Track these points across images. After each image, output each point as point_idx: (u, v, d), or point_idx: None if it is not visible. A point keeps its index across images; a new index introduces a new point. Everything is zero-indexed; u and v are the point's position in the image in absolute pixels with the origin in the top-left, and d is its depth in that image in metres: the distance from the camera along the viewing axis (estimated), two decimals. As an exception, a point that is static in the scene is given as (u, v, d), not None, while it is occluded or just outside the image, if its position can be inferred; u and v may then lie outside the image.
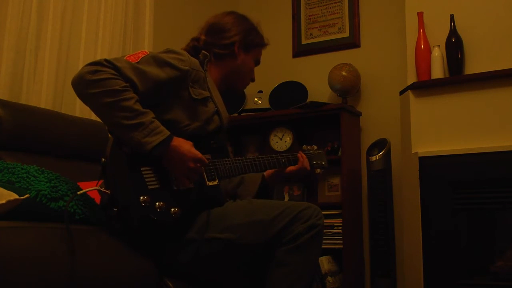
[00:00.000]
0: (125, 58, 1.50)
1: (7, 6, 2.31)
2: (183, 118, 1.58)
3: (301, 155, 1.87)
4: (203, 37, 1.80)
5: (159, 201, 1.40)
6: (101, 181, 1.58)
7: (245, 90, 3.47)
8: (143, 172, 1.44)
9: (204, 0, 3.71)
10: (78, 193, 1.43)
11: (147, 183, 1.44)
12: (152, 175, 1.46)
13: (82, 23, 2.62)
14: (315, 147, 1.99)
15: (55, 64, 2.45)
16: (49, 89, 2.42)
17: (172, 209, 1.42)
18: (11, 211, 1.31)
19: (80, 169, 2.14)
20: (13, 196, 1.32)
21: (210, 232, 1.51)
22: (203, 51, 1.74)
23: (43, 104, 2.38)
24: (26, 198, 1.34)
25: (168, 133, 1.47)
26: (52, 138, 2.12)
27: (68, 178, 1.58)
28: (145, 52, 1.55)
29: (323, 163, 1.97)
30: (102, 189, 1.42)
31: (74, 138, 2.21)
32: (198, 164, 1.51)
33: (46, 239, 1.30)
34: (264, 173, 1.88)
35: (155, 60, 1.54)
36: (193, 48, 1.76)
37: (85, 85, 1.39)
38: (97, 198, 1.64)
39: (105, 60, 1.43)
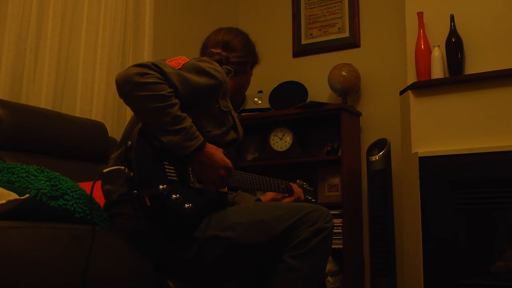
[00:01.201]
0: (166, 62, 1.53)
1: (7, 6, 2.31)
2: (207, 125, 1.62)
3: (295, 187, 1.96)
4: (222, 52, 1.84)
5: (175, 193, 1.42)
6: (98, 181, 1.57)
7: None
8: (165, 165, 1.47)
9: (204, 0, 3.71)
10: (105, 170, 1.45)
11: (168, 175, 1.46)
12: (173, 170, 1.48)
13: (82, 23, 2.62)
14: (306, 184, 2.11)
15: (55, 64, 2.45)
16: (49, 89, 2.42)
17: (186, 205, 1.44)
18: (11, 211, 1.31)
19: (80, 169, 2.15)
20: (13, 196, 1.32)
21: (211, 230, 1.51)
22: (225, 66, 1.79)
23: (43, 104, 2.38)
24: (26, 198, 1.34)
25: (203, 138, 1.51)
26: (52, 138, 2.12)
27: (68, 178, 1.58)
28: (185, 59, 1.59)
29: (313, 200, 2.09)
30: (126, 170, 1.41)
31: (74, 138, 2.21)
32: (227, 173, 1.56)
33: (46, 239, 1.30)
34: (262, 198, 1.95)
35: (195, 68, 1.57)
36: (219, 62, 1.80)
37: (132, 86, 1.40)
38: (97, 198, 1.65)
39: (153, 63, 1.44)
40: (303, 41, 3.71)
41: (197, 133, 1.50)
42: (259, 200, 1.92)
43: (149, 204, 1.38)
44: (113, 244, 1.48)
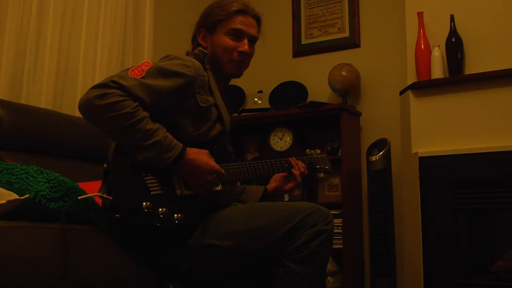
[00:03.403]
0: (129, 73, 1.45)
1: (7, 6, 2.31)
2: (188, 125, 1.56)
3: (293, 160, 1.85)
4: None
5: (162, 207, 1.39)
6: (100, 185, 1.57)
7: (245, 90, 3.50)
8: (145, 178, 1.43)
9: (204, 0, 3.71)
10: (79, 197, 1.42)
11: (150, 189, 1.43)
12: (155, 181, 1.45)
13: (82, 23, 2.62)
14: (318, 151, 1.96)
15: (55, 64, 2.46)
16: (49, 89, 2.42)
17: (175, 215, 1.41)
18: (11, 211, 1.31)
19: (80, 169, 2.14)
20: (13, 196, 1.31)
21: (209, 238, 1.49)
22: (199, 48, 1.70)
23: (43, 104, 2.38)
24: (26, 198, 1.34)
25: (181, 145, 1.46)
26: (52, 138, 2.12)
27: (68, 178, 1.57)
28: (149, 63, 1.50)
29: (326, 167, 1.93)
30: (104, 195, 1.40)
31: (74, 138, 2.21)
32: (215, 176, 1.51)
33: (46, 239, 1.30)
34: (267, 187, 1.85)
35: (160, 71, 1.49)
36: (195, 46, 1.75)
37: (94, 110, 1.36)
38: (97, 199, 1.64)
39: (111, 81, 1.38)
40: (303, 41, 3.71)
41: (174, 141, 1.44)
42: (266, 191, 1.82)
43: (134, 225, 1.37)
44: (112, 245, 1.48)
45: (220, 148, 1.65)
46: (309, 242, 1.48)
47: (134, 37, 2.90)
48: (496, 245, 2.72)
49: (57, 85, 2.46)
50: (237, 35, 1.71)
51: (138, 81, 1.43)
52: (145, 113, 1.41)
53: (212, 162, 1.50)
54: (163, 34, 3.23)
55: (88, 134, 2.28)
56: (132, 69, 1.47)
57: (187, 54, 1.75)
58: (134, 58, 2.89)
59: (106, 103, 1.35)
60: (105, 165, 1.44)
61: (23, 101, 2.32)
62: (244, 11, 1.74)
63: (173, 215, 1.41)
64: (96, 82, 2.60)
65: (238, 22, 1.71)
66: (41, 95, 2.40)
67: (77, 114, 2.51)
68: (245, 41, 1.71)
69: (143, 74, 1.45)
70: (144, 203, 1.36)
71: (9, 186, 1.40)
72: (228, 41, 1.70)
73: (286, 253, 1.49)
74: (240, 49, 1.70)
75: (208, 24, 1.73)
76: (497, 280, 2.56)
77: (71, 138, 2.20)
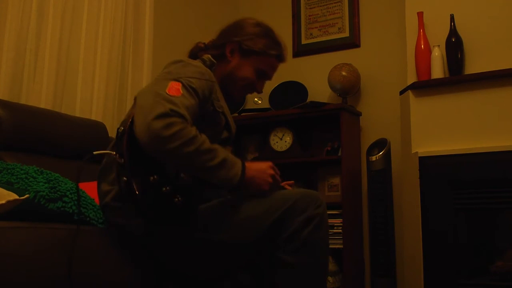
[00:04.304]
0: (168, 92, 1.42)
1: (7, 6, 2.31)
2: (204, 129, 1.54)
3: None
4: (211, 39, 1.76)
5: (165, 186, 1.38)
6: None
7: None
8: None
9: (204, 0, 3.71)
10: (95, 152, 1.41)
11: (160, 165, 1.42)
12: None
13: (82, 23, 2.62)
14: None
15: (55, 64, 2.46)
16: (49, 89, 2.42)
17: (176, 198, 1.40)
18: (11, 211, 1.31)
19: (80, 169, 2.14)
20: (13, 196, 1.32)
21: (199, 232, 1.48)
22: (209, 56, 1.68)
23: (43, 104, 2.38)
24: (26, 198, 1.34)
25: (239, 159, 1.47)
26: (52, 138, 2.12)
27: (68, 178, 1.58)
28: (177, 83, 1.47)
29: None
30: (117, 156, 1.38)
31: (74, 138, 2.21)
32: (272, 172, 1.52)
33: (46, 239, 1.30)
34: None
35: (187, 90, 1.48)
36: (198, 49, 1.74)
37: (163, 142, 1.34)
38: (97, 199, 1.65)
39: (171, 109, 1.36)
40: (303, 41, 3.71)
41: (231, 156, 1.46)
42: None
43: (137, 192, 1.34)
44: (111, 245, 1.48)
45: None
46: (300, 230, 1.45)
47: (134, 37, 2.90)
48: (496, 245, 2.72)
49: (57, 85, 2.46)
50: (262, 75, 1.76)
51: (183, 103, 1.43)
52: (203, 134, 1.42)
53: (262, 162, 1.53)
54: (163, 34, 3.23)
55: (88, 134, 2.28)
56: (167, 89, 1.44)
57: (191, 55, 1.75)
58: (134, 58, 2.89)
59: (172, 132, 1.34)
60: (121, 128, 1.41)
61: (23, 101, 2.32)
62: (282, 60, 1.79)
63: (174, 198, 1.39)
64: (96, 82, 2.64)
65: (271, 67, 1.76)
66: (41, 95, 2.40)
67: (77, 114, 2.52)
68: (264, 82, 1.78)
69: (181, 93, 1.45)
70: (152, 177, 1.37)
71: (8, 187, 1.40)
72: (252, 75, 1.73)
73: (279, 245, 1.46)
74: (257, 86, 1.76)
75: (246, 46, 1.72)
76: (497, 280, 2.56)
77: (71, 138, 2.20)
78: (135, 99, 1.47)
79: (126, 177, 1.35)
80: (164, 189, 1.38)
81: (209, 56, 1.69)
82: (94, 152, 1.42)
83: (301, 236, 1.45)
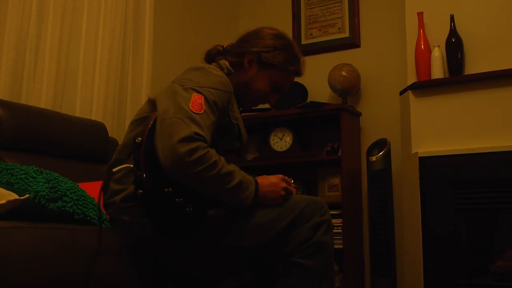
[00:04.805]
0: (191, 107, 1.43)
1: (7, 6, 2.31)
2: (217, 140, 1.56)
3: None
4: (229, 43, 1.75)
5: (179, 197, 1.41)
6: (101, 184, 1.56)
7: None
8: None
9: (204, 0, 3.71)
10: (114, 170, 1.45)
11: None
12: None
13: (82, 23, 2.62)
14: None
15: (55, 64, 2.46)
16: (49, 89, 2.42)
17: (187, 208, 1.43)
18: (11, 211, 1.31)
19: (80, 169, 2.15)
20: (13, 196, 1.32)
21: (209, 236, 1.50)
22: (226, 64, 1.68)
23: (43, 104, 2.38)
24: (26, 198, 1.34)
25: (251, 177, 1.50)
26: (52, 138, 2.12)
27: (68, 178, 1.58)
28: (200, 97, 1.47)
29: None
30: (135, 169, 1.40)
31: (74, 138, 2.21)
32: (285, 184, 1.55)
33: (46, 239, 1.30)
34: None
35: (209, 105, 1.48)
36: (217, 53, 1.74)
37: (186, 167, 1.36)
38: (96, 199, 1.65)
39: (195, 133, 1.37)
40: (303, 41, 3.71)
41: (244, 174, 1.48)
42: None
43: (152, 205, 1.37)
44: (111, 245, 1.48)
45: (231, 159, 1.65)
46: (312, 235, 1.50)
47: (134, 37, 2.90)
48: (496, 245, 2.73)
49: (57, 85, 2.46)
50: (277, 88, 1.75)
51: (205, 123, 1.43)
52: (222, 157, 1.44)
53: (272, 177, 1.56)
54: (163, 34, 3.22)
55: (88, 134, 2.28)
56: (190, 103, 1.44)
57: (209, 57, 1.74)
58: (134, 58, 2.88)
59: (196, 158, 1.36)
60: (139, 139, 1.40)
61: (23, 101, 2.32)
62: (299, 75, 1.80)
63: (186, 207, 1.42)
64: (96, 82, 2.64)
65: (287, 82, 1.76)
66: (41, 95, 2.40)
67: (77, 114, 2.52)
68: (278, 95, 1.77)
69: (203, 109, 1.45)
70: (166, 189, 1.39)
71: (8, 187, 1.40)
72: (267, 88, 1.72)
73: (292, 251, 1.50)
74: (270, 99, 1.76)
75: (265, 58, 1.70)
76: (497, 280, 2.56)
77: (71, 138, 2.20)
78: (150, 100, 1.48)
79: (143, 191, 1.37)
80: (177, 200, 1.40)
81: (227, 64, 1.69)
82: (113, 169, 1.45)
83: (315, 240, 1.50)
